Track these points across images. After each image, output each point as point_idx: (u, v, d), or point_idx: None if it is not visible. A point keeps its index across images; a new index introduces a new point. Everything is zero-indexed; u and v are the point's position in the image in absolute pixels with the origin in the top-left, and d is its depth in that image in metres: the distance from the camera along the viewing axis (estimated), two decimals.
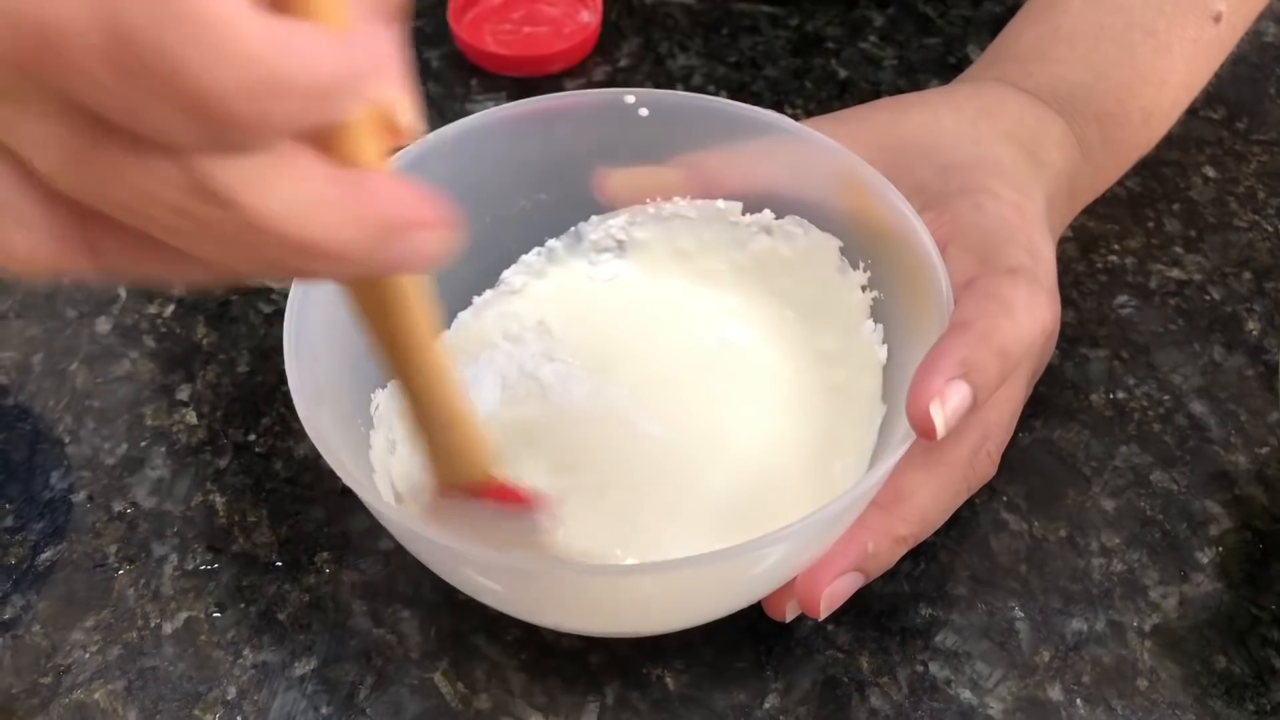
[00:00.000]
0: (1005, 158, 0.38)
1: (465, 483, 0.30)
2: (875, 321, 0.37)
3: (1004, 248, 0.34)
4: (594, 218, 0.40)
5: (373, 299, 0.24)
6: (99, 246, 0.20)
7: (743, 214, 0.39)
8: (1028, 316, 0.32)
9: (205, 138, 0.17)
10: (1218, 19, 0.42)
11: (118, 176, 0.18)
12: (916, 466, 0.33)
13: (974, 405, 0.31)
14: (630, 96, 0.38)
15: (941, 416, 0.30)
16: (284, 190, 0.19)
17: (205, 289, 0.21)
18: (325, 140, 0.20)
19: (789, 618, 0.34)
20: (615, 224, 0.40)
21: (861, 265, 0.37)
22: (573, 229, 0.41)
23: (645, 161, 0.39)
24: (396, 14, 0.21)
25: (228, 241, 0.19)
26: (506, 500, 0.31)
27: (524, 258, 0.41)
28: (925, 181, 0.37)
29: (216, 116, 0.17)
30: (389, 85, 0.20)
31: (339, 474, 0.30)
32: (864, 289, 0.37)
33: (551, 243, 0.41)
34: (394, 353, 0.26)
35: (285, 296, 0.33)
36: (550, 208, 0.40)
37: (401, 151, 0.36)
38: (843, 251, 0.37)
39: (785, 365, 0.39)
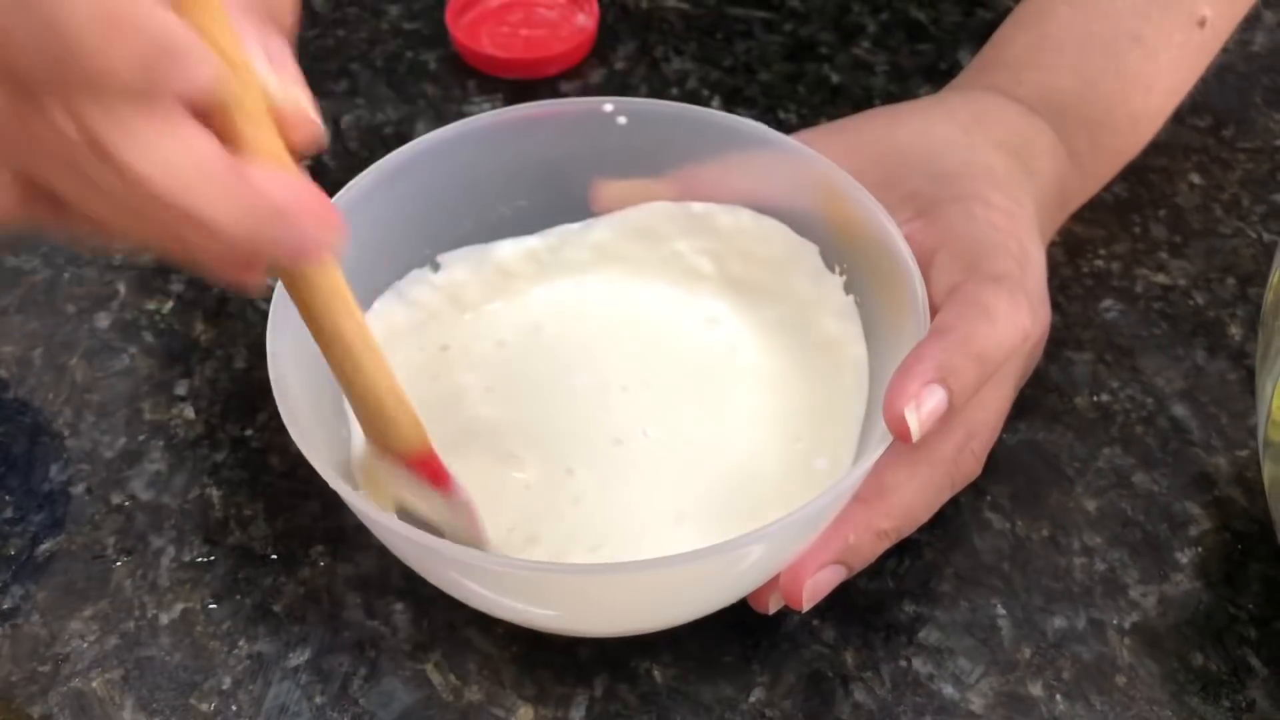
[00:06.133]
0: (997, 165, 0.39)
1: (395, 450, 0.32)
2: (854, 323, 0.37)
3: (991, 255, 0.35)
4: (576, 224, 0.41)
5: (294, 288, 0.28)
6: (38, 209, 0.24)
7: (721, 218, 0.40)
8: (1008, 324, 0.33)
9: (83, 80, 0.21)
10: (1202, 23, 0.42)
11: (30, 137, 0.22)
12: (901, 463, 0.34)
13: (950, 409, 0.32)
14: (609, 105, 0.39)
15: (916, 420, 0.31)
16: (164, 154, 0.21)
17: (172, 265, 0.27)
18: (222, 126, 0.23)
19: (772, 610, 0.34)
20: (598, 230, 0.41)
21: (838, 269, 0.38)
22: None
23: (624, 168, 0.39)
24: (285, 23, 0.24)
25: (119, 203, 0.21)
26: (430, 476, 0.33)
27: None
28: (918, 189, 0.37)
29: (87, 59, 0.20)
30: (282, 81, 0.24)
31: (324, 476, 0.31)
32: (844, 291, 0.38)
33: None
34: (320, 335, 0.29)
35: None
36: (531, 214, 0.40)
37: (383, 159, 0.37)
38: (821, 254, 0.38)
39: (766, 365, 0.40)
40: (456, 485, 0.33)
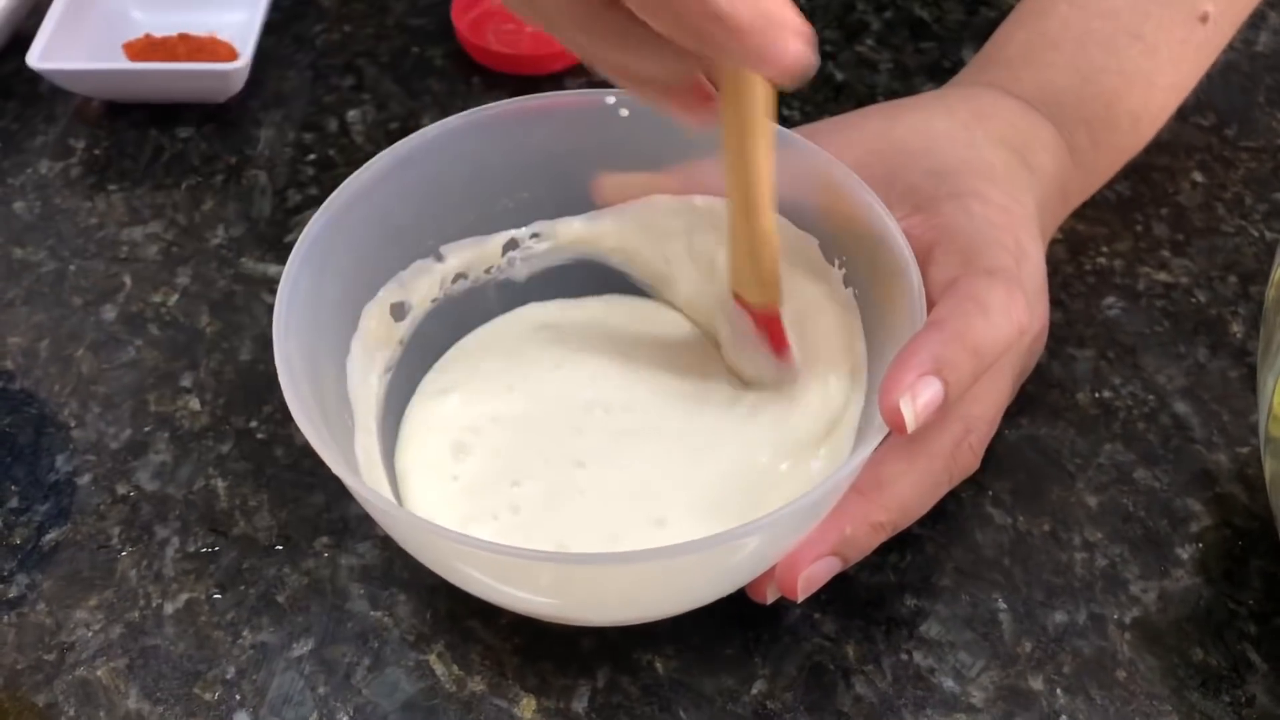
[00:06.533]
0: (997, 162, 0.39)
1: (750, 300, 0.37)
2: (853, 316, 0.38)
3: (987, 250, 0.35)
4: (578, 216, 0.41)
5: (736, 105, 0.32)
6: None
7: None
8: (1003, 317, 0.33)
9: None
10: (1204, 19, 0.42)
11: None
12: (898, 456, 0.34)
13: (945, 402, 0.32)
14: (610, 97, 0.39)
15: (912, 411, 0.31)
16: None
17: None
18: None
19: (770, 600, 0.35)
20: (599, 222, 0.41)
21: (837, 262, 0.38)
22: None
23: (626, 161, 0.40)
24: None
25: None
26: (769, 336, 0.37)
27: (509, 254, 0.41)
28: (916, 185, 0.38)
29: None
30: None
31: (330, 466, 0.31)
32: (843, 284, 0.38)
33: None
34: (733, 155, 0.33)
35: None
36: (532, 206, 0.40)
37: (387, 150, 0.37)
38: (820, 248, 0.38)
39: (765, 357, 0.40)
40: (791, 356, 0.37)
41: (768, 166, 0.33)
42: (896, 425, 0.31)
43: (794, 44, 0.28)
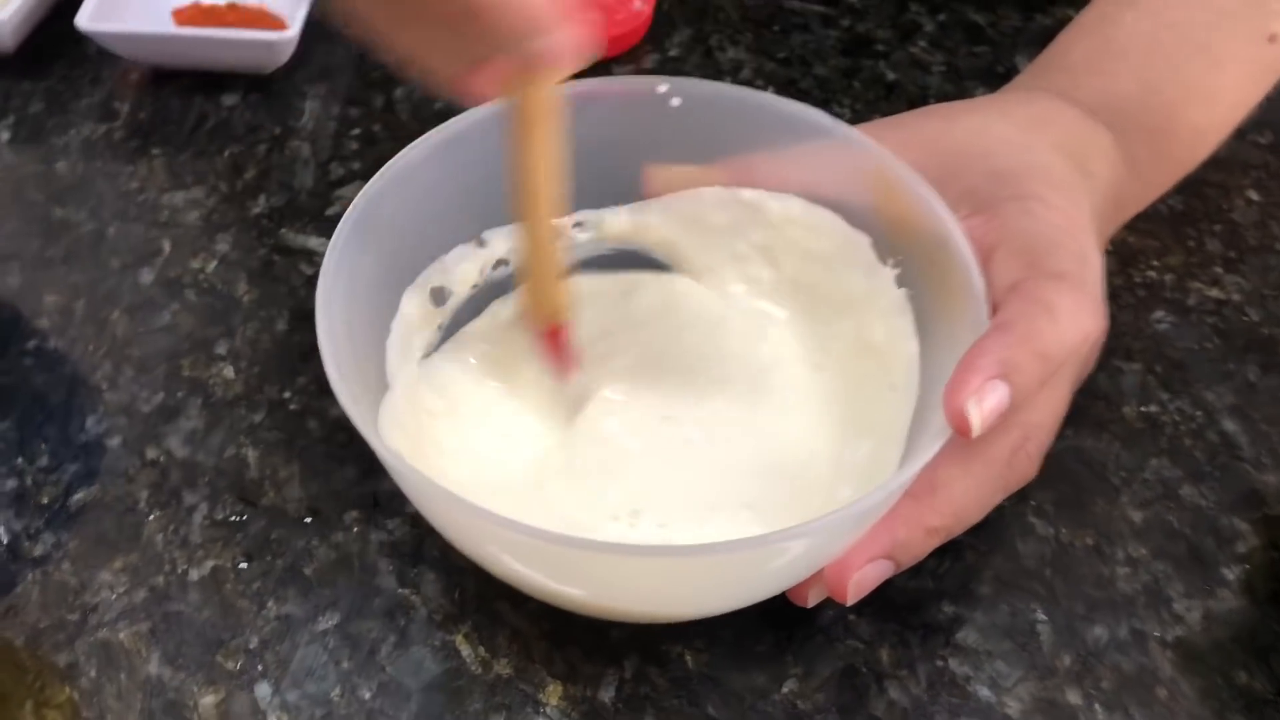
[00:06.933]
0: (1055, 166, 0.38)
1: (537, 321, 0.36)
2: (907, 317, 0.37)
3: (1052, 253, 0.34)
4: (624, 206, 0.40)
5: (522, 109, 0.31)
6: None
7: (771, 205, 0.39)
8: (1071, 321, 0.32)
9: None
10: (1273, 39, 0.42)
11: None
12: (954, 460, 0.33)
13: (1011, 406, 0.31)
14: (663, 86, 0.38)
15: (978, 414, 0.30)
16: None
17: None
18: None
19: (812, 603, 0.34)
20: (646, 213, 0.40)
21: (891, 261, 0.37)
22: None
23: (676, 152, 0.39)
24: None
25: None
26: (553, 352, 0.36)
27: None
28: (975, 186, 0.37)
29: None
30: None
31: (366, 438, 0.30)
32: (896, 284, 0.37)
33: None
34: (519, 158, 0.32)
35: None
36: (577, 194, 0.39)
37: (431, 133, 0.36)
38: (873, 247, 0.38)
39: (815, 357, 0.39)
40: (571, 372, 0.36)
41: (544, 168, 0.33)
42: (962, 429, 0.30)
43: (565, 32, 0.27)
